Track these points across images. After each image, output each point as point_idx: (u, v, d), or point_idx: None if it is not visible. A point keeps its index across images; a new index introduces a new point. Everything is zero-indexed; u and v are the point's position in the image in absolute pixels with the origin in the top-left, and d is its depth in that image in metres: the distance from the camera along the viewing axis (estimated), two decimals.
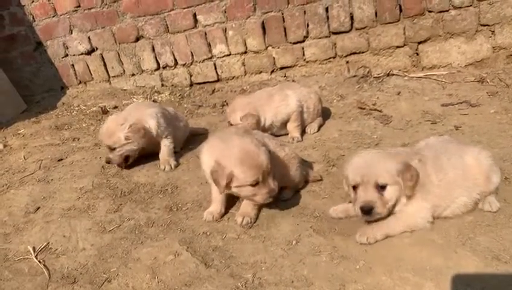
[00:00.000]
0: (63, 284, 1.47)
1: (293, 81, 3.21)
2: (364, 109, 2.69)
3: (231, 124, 2.40)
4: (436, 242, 1.41)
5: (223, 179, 1.54)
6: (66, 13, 3.48)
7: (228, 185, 1.57)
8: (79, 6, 3.43)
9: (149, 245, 1.61)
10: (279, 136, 2.44)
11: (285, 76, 3.31)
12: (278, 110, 2.38)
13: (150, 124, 2.19)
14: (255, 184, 1.56)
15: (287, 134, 2.45)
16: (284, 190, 1.80)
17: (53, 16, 3.52)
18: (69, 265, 1.56)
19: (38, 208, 1.98)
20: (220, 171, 1.54)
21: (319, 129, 2.49)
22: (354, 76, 3.14)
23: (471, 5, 2.81)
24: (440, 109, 2.52)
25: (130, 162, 2.23)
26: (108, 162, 2.21)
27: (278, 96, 2.43)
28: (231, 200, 1.77)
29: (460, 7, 2.83)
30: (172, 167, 2.19)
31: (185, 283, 1.39)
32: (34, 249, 1.67)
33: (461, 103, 2.56)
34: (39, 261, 1.59)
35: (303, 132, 2.47)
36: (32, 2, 3.50)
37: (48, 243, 1.70)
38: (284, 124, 2.43)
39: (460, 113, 2.44)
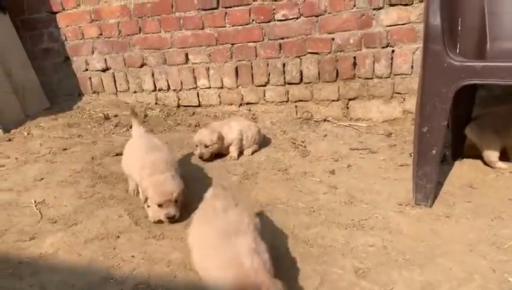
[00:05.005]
0: (48, 223, 2.38)
1: (253, 115, 4.13)
2: (294, 143, 3.55)
3: (207, 146, 3.16)
4: None
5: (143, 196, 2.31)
6: (91, 38, 4.49)
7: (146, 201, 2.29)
8: (101, 34, 4.43)
9: (106, 209, 2.50)
10: (224, 154, 3.34)
11: (249, 110, 4.21)
12: (226, 136, 3.28)
13: None
14: (160, 206, 2.25)
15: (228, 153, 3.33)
16: None
17: (80, 39, 4.53)
18: (54, 214, 2.46)
19: (43, 178, 2.90)
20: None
21: (253, 153, 3.35)
22: (300, 118, 4.02)
23: (388, 77, 3.67)
24: (347, 152, 3.32)
25: None
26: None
27: (226, 126, 3.35)
28: None
29: (381, 77, 3.70)
30: None
31: (120, 231, 2.27)
32: (35, 201, 2.59)
33: (365, 149, 3.39)
34: (37, 209, 2.52)
35: (241, 153, 3.35)
36: (67, 26, 4.52)
37: (44, 199, 2.62)
38: (228, 146, 3.32)
39: (359, 156, 3.23)
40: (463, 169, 2.84)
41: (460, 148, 2.99)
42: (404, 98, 3.69)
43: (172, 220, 2.29)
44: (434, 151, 2.37)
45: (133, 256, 2.07)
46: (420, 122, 2.38)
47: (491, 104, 3.30)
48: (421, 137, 2.38)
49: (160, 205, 2.25)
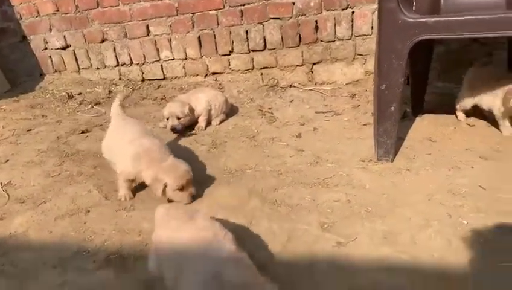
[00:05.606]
0: (15, 203, 2.36)
1: (220, 84, 4.13)
2: (262, 111, 3.58)
3: (179, 118, 3.12)
4: None
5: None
6: (47, 15, 4.35)
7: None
8: (58, 11, 4.29)
9: (75, 186, 2.50)
10: (193, 124, 3.33)
11: (215, 80, 4.20)
12: (195, 107, 3.27)
13: None
14: (181, 189, 2.17)
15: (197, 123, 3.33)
16: None
17: (36, 16, 4.38)
18: (22, 194, 2.44)
19: (8, 160, 2.87)
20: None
21: (220, 123, 3.36)
22: (266, 85, 4.04)
23: (350, 39, 3.72)
24: (313, 115, 3.37)
25: None
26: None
27: (193, 97, 3.34)
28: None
29: (342, 39, 3.74)
30: None
31: (90, 205, 2.28)
32: (1, 183, 2.57)
33: (329, 112, 3.44)
34: (3, 190, 2.50)
35: (209, 124, 3.37)
36: (20, 3, 4.36)
37: (11, 181, 2.60)
38: (197, 117, 3.31)
39: (324, 119, 3.28)
40: (423, 124, 2.94)
41: (420, 104, 3.09)
42: (365, 60, 3.75)
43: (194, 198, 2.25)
44: (393, 108, 2.44)
45: (104, 229, 2.09)
46: (378, 80, 2.44)
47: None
48: (380, 95, 2.45)
49: (181, 189, 2.17)
